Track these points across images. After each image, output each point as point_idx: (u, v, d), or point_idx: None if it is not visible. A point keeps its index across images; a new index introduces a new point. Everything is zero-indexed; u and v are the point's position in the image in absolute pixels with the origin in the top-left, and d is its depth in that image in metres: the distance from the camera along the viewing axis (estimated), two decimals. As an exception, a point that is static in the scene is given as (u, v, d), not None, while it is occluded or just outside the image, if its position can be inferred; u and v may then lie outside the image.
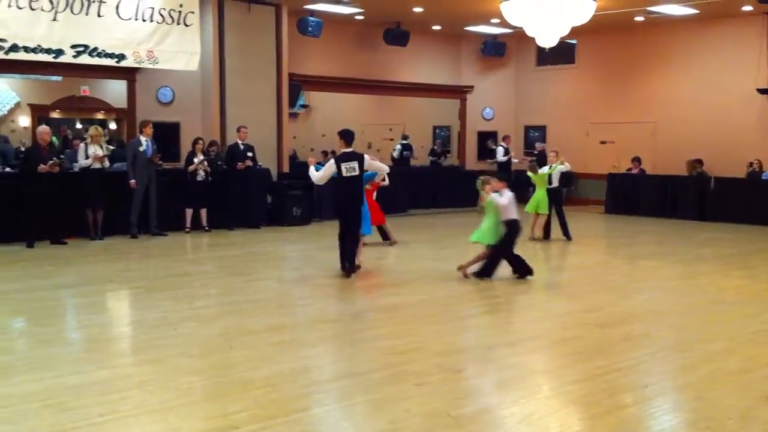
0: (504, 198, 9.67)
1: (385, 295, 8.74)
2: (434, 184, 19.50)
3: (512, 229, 9.65)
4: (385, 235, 12.72)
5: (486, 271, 9.65)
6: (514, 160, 20.21)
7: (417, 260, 11.34)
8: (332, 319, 7.50)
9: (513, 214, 9.66)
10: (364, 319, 7.55)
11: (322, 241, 13.33)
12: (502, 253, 9.70)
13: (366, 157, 9.76)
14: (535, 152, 20.15)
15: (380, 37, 19.29)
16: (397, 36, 19.25)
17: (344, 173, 9.57)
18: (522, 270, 9.72)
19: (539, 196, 13.41)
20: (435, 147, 22.17)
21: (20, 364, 5.97)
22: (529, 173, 13.62)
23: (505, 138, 20.48)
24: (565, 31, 14.67)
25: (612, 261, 9.79)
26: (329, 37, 18.32)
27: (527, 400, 5.09)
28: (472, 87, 21.86)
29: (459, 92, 21.91)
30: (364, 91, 21.06)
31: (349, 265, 9.72)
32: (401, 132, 22.40)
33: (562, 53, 20.36)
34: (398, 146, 21.41)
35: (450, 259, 11.40)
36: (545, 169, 13.64)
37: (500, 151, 20.13)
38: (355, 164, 9.62)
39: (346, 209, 9.81)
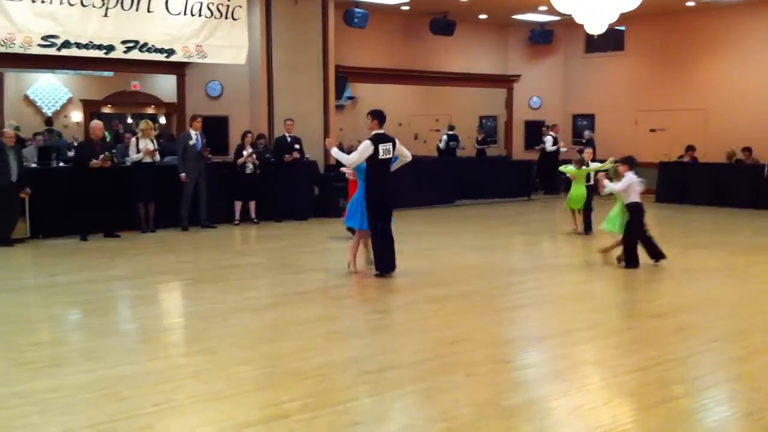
0: (621, 183, 9.59)
1: (433, 285, 8.72)
2: (481, 175, 19.40)
3: (635, 212, 9.58)
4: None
5: (629, 263, 9.57)
6: (563, 149, 20.03)
7: (465, 251, 11.30)
8: (381, 309, 7.52)
9: (634, 197, 9.58)
10: (413, 310, 7.55)
11: (369, 232, 13.36)
12: (633, 238, 9.61)
13: (397, 141, 9.08)
14: (584, 140, 19.94)
15: (426, 27, 19.22)
16: (444, 26, 19.17)
17: (381, 155, 8.86)
18: (656, 254, 9.66)
19: (581, 192, 12.58)
20: (478, 137, 22.05)
21: (76, 354, 6.11)
22: (569, 169, 12.85)
23: (553, 127, 20.29)
24: (614, 18, 14.45)
25: (665, 250, 9.63)
26: (375, 28, 18.32)
27: (578, 391, 5.05)
28: (519, 76, 21.67)
29: (506, 81, 21.73)
30: (410, 81, 21.00)
31: (392, 267, 9.09)
32: (447, 122, 22.31)
33: (611, 40, 20.07)
34: (444, 137, 21.33)
35: (498, 249, 11.38)
36: (595, 164, 12.78)
37: (549, 140, 19.96)
38: (389, 146, 8.95)
39: (388, 196, 9.08)
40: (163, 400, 4.88)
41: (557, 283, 8.99)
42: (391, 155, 8.99)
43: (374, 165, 8.86)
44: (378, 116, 9.04)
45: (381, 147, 8.86)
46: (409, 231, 13.49)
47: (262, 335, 6.62)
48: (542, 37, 20.94)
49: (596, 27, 14.68)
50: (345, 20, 17.32)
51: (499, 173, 19.53)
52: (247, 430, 4.40)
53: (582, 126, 21.18)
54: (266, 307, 7.75)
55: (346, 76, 18.30)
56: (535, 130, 21.18)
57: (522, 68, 21.73)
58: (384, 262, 9.04)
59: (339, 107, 20.02)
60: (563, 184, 20.19)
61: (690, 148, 18.38)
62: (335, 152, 9.14)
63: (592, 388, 5.19)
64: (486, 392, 5.00)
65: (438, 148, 21.50)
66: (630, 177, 9.57)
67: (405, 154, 9.35)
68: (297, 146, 14.83)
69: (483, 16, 20.08)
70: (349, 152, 9.58)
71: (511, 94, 21.83)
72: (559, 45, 21.61)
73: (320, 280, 9.19)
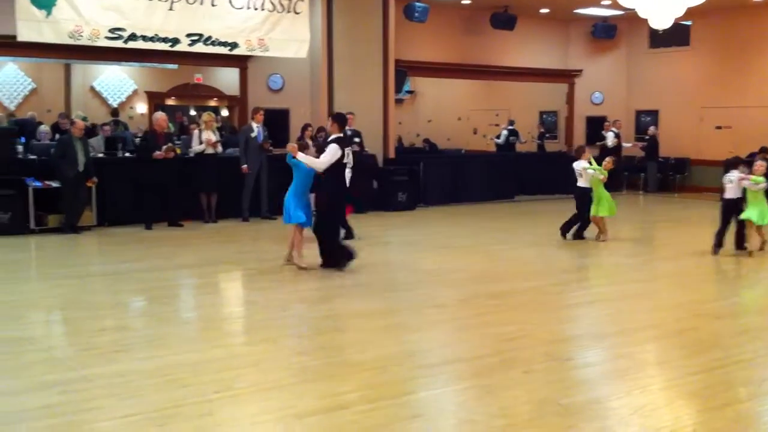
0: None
1: (491, 281, 8.70)
2: (541, 170, 19.21)
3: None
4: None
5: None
6: (626, 145, 19.73)
7: (524, 247, 11.21)
8: (439, 304, 7.52)
9: None
10: (471, 305, 7.53)
11: (427, 226, 13.38)
12: None
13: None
14: (646, 137, 19.62)
15: (487, 22, 19.09)
16: (504, 20, 19.02)
17: (345, 158, 9.19)
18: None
19: (605, 195, 11.47)
20: (537, 132, 21.86)
21: (141, 341, 6.25)
22: (597, 171, 11.38)
23: (615, 122, 19.99)
24: (680, 12, 14.15)
25: (728, 250, 9.44)
26: (435, 22, 18.26)
27: (640, 392, 4.99)
28: (580, 71, 21.40)
29: (567, 76, 21.47)
30: (470, 76, 20.90)
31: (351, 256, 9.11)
32: (507, 117, 22.16)
33: (676, 35, 19.64)
34: (504, 131, 21.18)
35: (557, 246, 11.26)
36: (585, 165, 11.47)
37: (610, 135, 19.67)
38: (350, 149, 9.55)
39: (344, 193, 9.60)
40: (223, 387, 4.96)
41: (618, 281, 8.88)
42: (350, 156, 9.41)
43: (338, 167, 9.04)
44: (339, 120, 9.36)
45: (346, 150, 9.18)
46: (467, 226, 13.48)
47: (320, 326, 6.68)
48: (605, 32, 20.62)
49: (661, 22, 14.40)
50: (405, 14, 17.31)
51: (559, 169, 19.26)
52: (307, 419, 4.45)
53: (645, 122, 20.81)
54: (324, 298, 7.82)
55: (405, 70, 18.30)
56: (596, 126, 20.88)
57: (584, 63, 21.44)
58: (347, 253, 9.10)
59: (398, 101, 20.04)
60: (625, 182, 19.97)
61: (764, 150, 17.79)
62: (302, 156, 9.03)
63: (654, 388, 5.11)
64: (545, 390, 4.97)
65: (496, 143, 21.37)
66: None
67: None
68: (357, 139, 14.85)
69: (544, 11, 19.86)
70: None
71: (573, 89, 21.57)
72: (622, 40, 21.24)
73: (378, 273, 9.23)
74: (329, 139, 9.25)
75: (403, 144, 21.46)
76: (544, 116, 23.23)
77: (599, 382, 5.29)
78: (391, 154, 17.00)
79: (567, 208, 15.70)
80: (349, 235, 11.11)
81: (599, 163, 11.41)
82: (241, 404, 4.74)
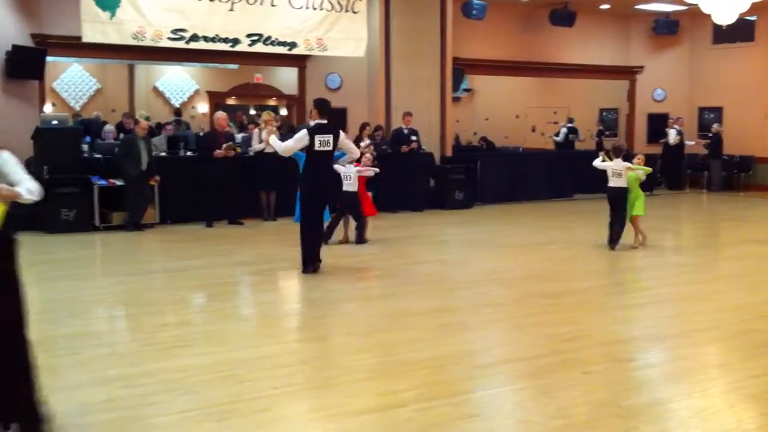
0: None
1: (547, 281, 8.62)
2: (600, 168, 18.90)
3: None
4: (360, 231, 11.03)
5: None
6: (689, 143, 19.34)
7: (580, 246, 11.06)
8: (495, 303, 7.48)
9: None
10: (527, 305, 7.47)
11: (484, 224, 13.31)
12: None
13: (342, 133, 8.69)
14: (710, 134, 19.19)
15: (546, 18, 18.89)
16: (564, 16, 18.80)
17: (317, 147, 8.49)
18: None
19: (641, 195, 10.89)
20: (596, 129, 21.54)
21: (201, 336, 6.37)
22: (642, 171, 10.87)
23: (677, 120, 19.60)
24: (744, 7, 13.81)
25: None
26: (493, 20, 18.13)
27: (701, 394, 4.89)
28: (642, 67, 21.03)
29: (628, 73, 21.13)
30: (528, 73, 20.71)
31: (314, 263, 8.78)
32: (566, 115, 21.91)
33: (741, 30, 19.12)
34: (564, 129, 20.94)
35: (619, 245, 11.07)
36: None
37: (672, 133, 19.30)
38: (329, 138, 8.49)
39: (322, 189, 8.78)
40: (281, 384, 5.02)
41: (678, 282, 8.70)
42: (330, 147, 8.57)
43: (310, 156, 8.60)
44: (320, 106, 8.69)
45: (318, 138, 8.46)
46: (524, 225, 13.38)
47: (376, 324, 6.71)
48: (667, 28, 20.22)
49: (725, 17, 14.07)
50: (463, 12, 17.23)
51: (619, 167, 18.99)
52: (363, 417, 4.48)
53: (709, 119, 20.35)
54: (379, 296, 7.85)
55: (463, 68, 18.23)
56: (658, 123, 20.51)
57: (645, 59, 21.06)
58: (308, 260, 8.74)
59: (455, 99, 19.96)
60: (688, 180, 19.56)
61: None
62: (272, 140, 8.98)
63: (715, 391, 5.01)
64: (604, 391, 4.91)
65: (555, 141, 21.13)
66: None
67: (351, 149, 9.09)
68: (414, 138, 14.90)
69: (605, 7, 19.57)
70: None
71: (634, 85, 21.22)
72: (685, 35, 20.80)
73: (433, 272, 9.23)
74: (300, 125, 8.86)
75: (460, 142, 21.38)
76: (604, 114, 22.91)
77: (659, 384, 5.20)
78: (448, 153, 16.96)
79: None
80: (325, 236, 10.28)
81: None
82: (298, 401, 4.79)
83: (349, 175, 10.55)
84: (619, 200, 10.59)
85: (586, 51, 20.37)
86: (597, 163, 10.92)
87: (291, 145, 8.65)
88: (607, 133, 21.73)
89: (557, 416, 4.48)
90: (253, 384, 5.02)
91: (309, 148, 8.52)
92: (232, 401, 4.70)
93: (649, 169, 10.93)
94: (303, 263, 8.77)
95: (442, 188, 15.54)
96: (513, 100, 23.43)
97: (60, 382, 5.07)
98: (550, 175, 17.45)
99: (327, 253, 10.14)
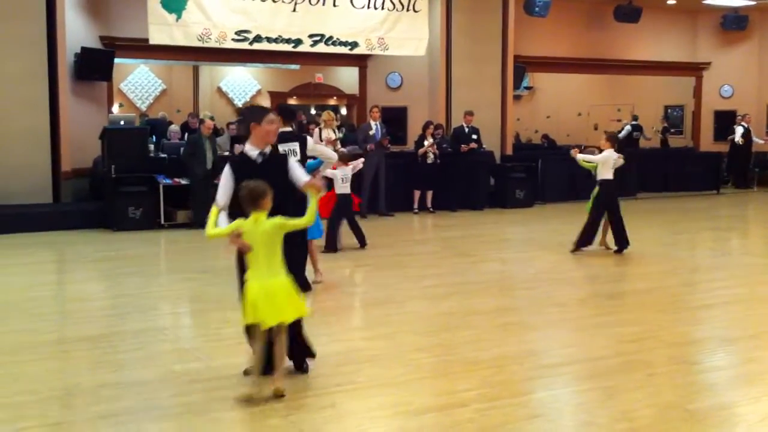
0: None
1: (611, 281, 8.50)
2: (665, 166, 18.58)
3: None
4: (358, 233, 10.37)
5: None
6: (759, 141, 18.86)
7: (646, 246, 10.86)
8: (558, 303, 7.40)
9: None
10: (591, 305, 7.39)
11: (545, 223, 13.19)
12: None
13: (309, 139, 7.89)
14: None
15: (610, 15, 18.62)
16: (629, 12, 18.50)
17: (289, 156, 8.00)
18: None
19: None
20: (660, 126, 21.16)
21: (264, 333, 6.44)
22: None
23: (744, 117, 19.13)
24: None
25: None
26: (556, 17, 17.93)
27: (771, 398, 4.78)
28: (709, 63, 20.57)
29: (694, 69, 20.68)
30: (591, 70, 20.45)
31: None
32: (630, 112, 21.55)
33: (813, 25, 18.63)
34: (628, 127, 20.61)
35: (682, 245, 10.90)
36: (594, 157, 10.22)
37: (739, 130, 18.84)
38: (295, 146, 7.74)
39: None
40: (345, 381, 5.06)
41: (747, 282, 8.48)
42: (297, 156, 7.62)
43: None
44: (284, 113, 7.95)
45: (281, 147, 7.47)
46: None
47: (438, 323, 6.70)
48: (736, 23, 19.73)
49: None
50: (525, 9, 17.09)
51: (685, 165, 18.63)
52: (425, 416, 4.48)
53: (779, 116, 19.85)
54: (442, 295, 7.83)
55: (524, 65, 18.09)
56: (725, 121, 20.04)
57: (712, 55, 20.59)
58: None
59: (516, 97, 19.84)
60: (756, 178, 19.08)
61: None
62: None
63: (787, 395, 4.89)
64: (670, 394, 4.83)
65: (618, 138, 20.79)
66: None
67: (326, 154, 8.24)
68: (474, 136, 14.85)
69: (671, 2, 19.21)
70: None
71: (700, 82, 20.77)
72: (754, 31, 20.27)
73: (495, 271, 9.19)
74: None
75: (520, 140, 21.21)
76: (669, 111, 22.48)
77: (727, 387, 5.09)
78: (509, 151, 16.85)
79: (692, 206, 15.16)
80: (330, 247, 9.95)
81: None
82: (361, 398, 4.81)
83: (345, 177, 9.93)
84: (611, 194, 9.93)
85: (652, 47, 20.02)
86: (590, 157, 10.21)
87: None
88: (672, 130, 21.34)
89: (622, 419, 4.42)
90: (318, 380, 5.06)
91: None
92: (297, 397, 4.75)
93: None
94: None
95: (502, 187, 15.45)
96: (575, 97, 23.16)
97: (127, 377, 5.21)
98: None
99: (387, 252, 10.17)
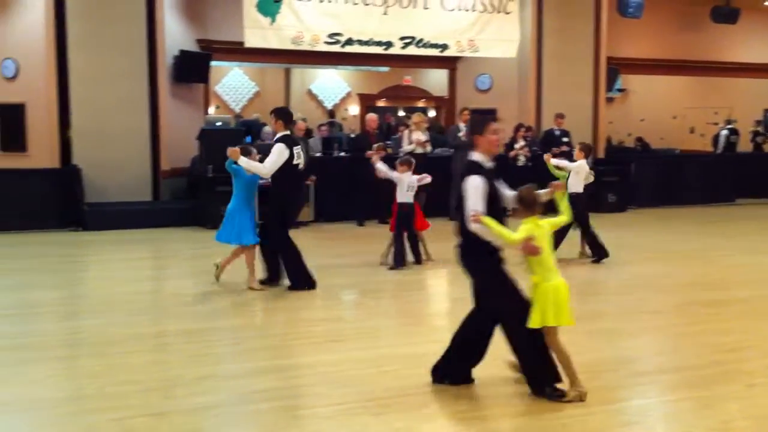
0: (574, 164, 9.63)
1: (707, 289, 8.27)
2: (763, 172, 17.92)
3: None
4: (415, 248, 9.68)
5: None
6: None
7: (742, 254, 10.53)
8: (653, 310, 7.26)
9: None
10: (687, 312, 7.21)
11: (638, 228, 12.92)
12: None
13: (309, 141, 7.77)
14: None
15: (706, 16, 18.12)
16: (726, 13, 17.96)
17: (295, 159, 7.88)
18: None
19: None
20: (756, 129, 20.43)
21: (354, 332, 6.54)
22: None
23: None
24: None
25: None
26: (650, 18, 17.55)
27: None
28: (811, 65, 19.81)
29: (797, 72, 19.96)
30: (687, 72, 19.94)
31: (311, 279, 8.07)
32: (728, 115, 20.89)
33: None
34: (724, 131, 19.98)
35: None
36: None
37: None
38: (300, 149, 7.92)
39: (300, 206, 8.08)
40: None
41: None
42: (302, 159, 7.93)
43: (288, 170, 7.82)
44: (282, 116, 8.03)
45: (294, 150, 7.83)
46: (681, 230, 12.89)
47: (529, 327, 6.64)
48: (843, 22, 18.95)
49: None
50: (619, 10, 16.77)
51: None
52: (517, 419, 4.49)
53: None
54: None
55: (617, 67, 17.77)
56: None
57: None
58: (306, 278, 8.04)
59: (608, 100, 19.48)
60: None
61: None
62: (244, 161, 7.72)
63: None
64: (771, 406, 4.69)
65: (715, 142, 20.18)
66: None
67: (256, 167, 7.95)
68: (565, 139, 14.65)
69: (771, 2, 18.59)
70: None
71: (803, 85, 20.02)
72: None
73: (586, 276, 9.05)
74: (275, 137, 7.99)
75: (612, 143, 20.82)
76: (769, 114, 21.72)
77: (833, 402, 4.90)
78: (601, 154, 16.57)
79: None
80: (417, 257, 9.64)
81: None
82: (453, 400, 4.81)
83: (411, 185, 9.54)
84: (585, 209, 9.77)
85: (751, 48, 19.41)
86: (564, 163, 9.85)
87: (273, 161, 7.77)
88: (763, 134, 20.60)
89: (719, 429, 4.32)
90: (410, 380, 5.09)
91: (287, 162, 7.80)
92: (389, 396, 4.80)
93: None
94: (297, 282, 8.04)
95: (594, 190, 15.16)
96: (670, 100, 22.58)
97: (222, 371, 5.36)
98: (710, 178, 16.70)
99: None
